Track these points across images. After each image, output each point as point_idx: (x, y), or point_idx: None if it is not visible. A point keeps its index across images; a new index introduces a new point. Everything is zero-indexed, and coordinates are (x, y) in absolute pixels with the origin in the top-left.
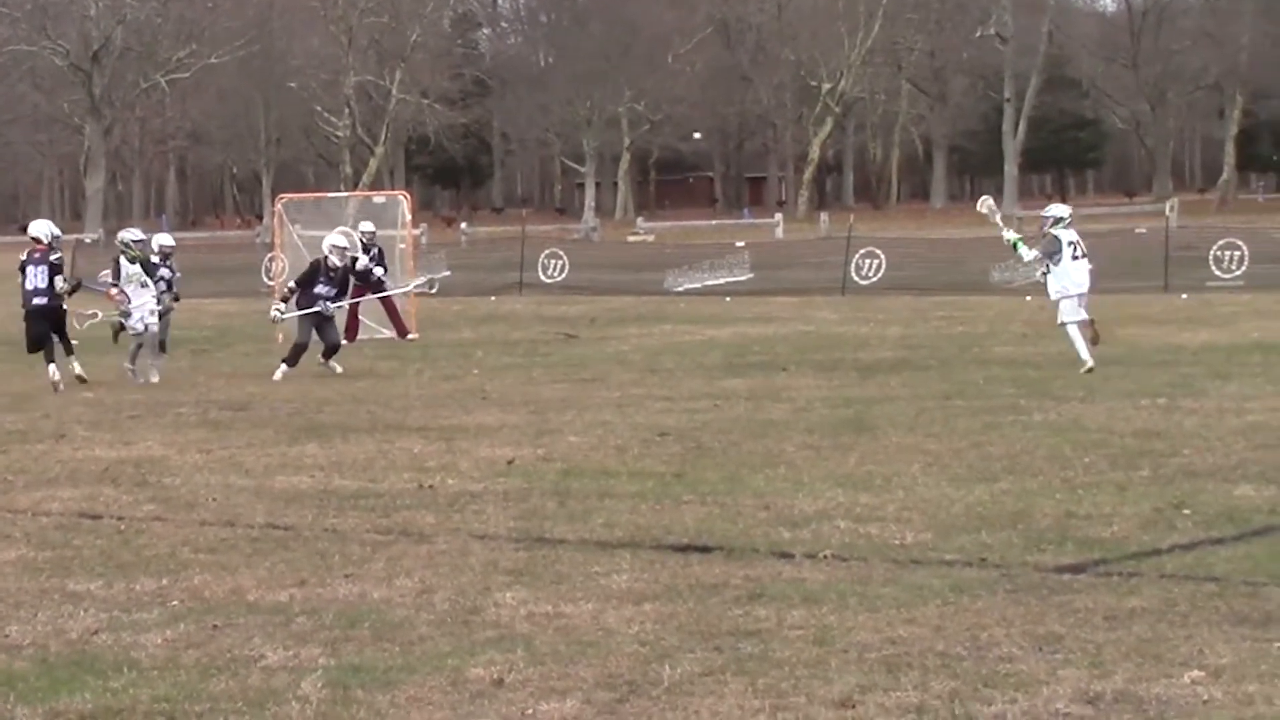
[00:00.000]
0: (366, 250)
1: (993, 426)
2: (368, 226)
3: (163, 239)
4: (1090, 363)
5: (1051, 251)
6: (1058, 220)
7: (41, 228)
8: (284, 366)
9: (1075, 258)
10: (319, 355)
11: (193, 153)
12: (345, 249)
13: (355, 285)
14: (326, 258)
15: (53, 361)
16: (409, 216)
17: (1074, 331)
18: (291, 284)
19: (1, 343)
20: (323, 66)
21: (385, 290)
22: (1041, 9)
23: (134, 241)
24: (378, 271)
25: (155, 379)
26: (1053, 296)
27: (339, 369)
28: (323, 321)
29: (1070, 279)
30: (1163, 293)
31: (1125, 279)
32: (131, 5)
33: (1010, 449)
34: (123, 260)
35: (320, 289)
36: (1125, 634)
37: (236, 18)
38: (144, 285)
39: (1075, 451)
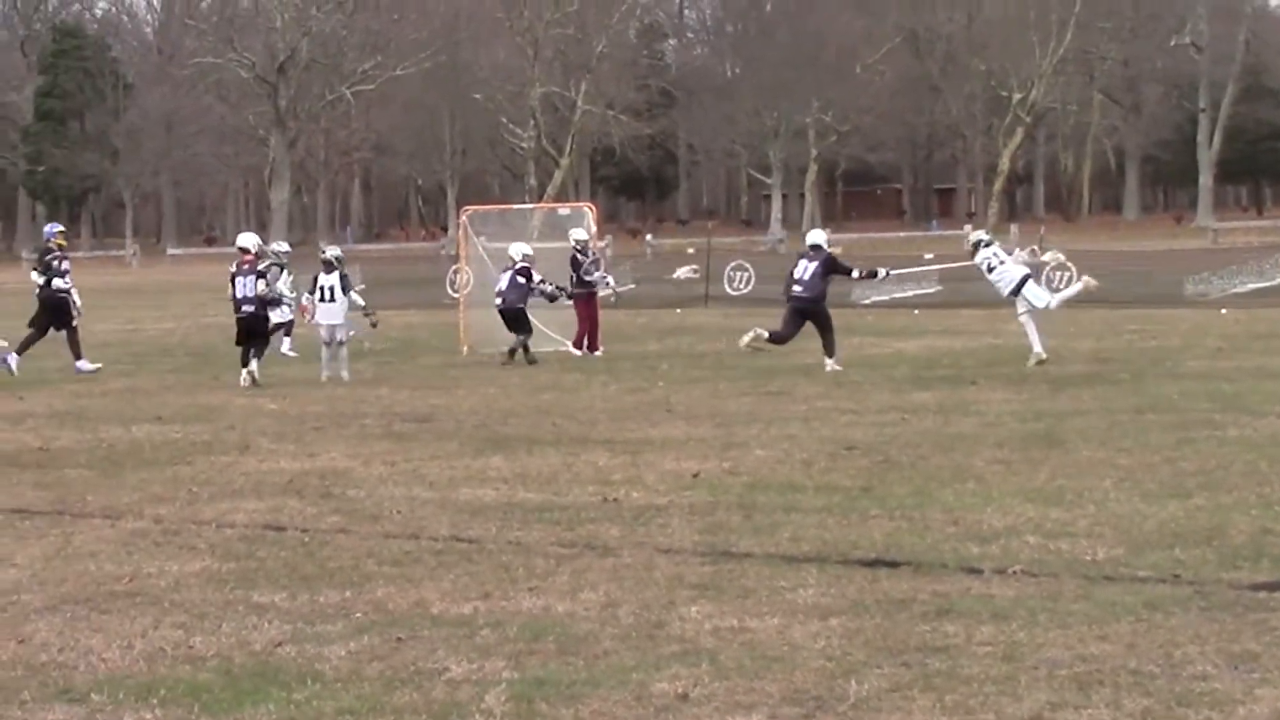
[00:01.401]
0: (585, 257)
1: (1187, 441)
2: (580, 235)
3: (523, 248)
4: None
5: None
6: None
7: (248, 239)
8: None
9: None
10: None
11: (377, 164)
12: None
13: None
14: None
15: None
16: (595, 228)
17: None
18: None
19: (188, 354)
20: (508, 78)
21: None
22: (1238, 17)
23: (337, 259)
24: (595, 275)
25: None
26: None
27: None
28: None
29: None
30: None
31: None
32: (317, 17)
33: (1205, 464)
34: (321, 275)
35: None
36: None
37: (422, 29)
38: (332, 300)
39: (1272, 467)
